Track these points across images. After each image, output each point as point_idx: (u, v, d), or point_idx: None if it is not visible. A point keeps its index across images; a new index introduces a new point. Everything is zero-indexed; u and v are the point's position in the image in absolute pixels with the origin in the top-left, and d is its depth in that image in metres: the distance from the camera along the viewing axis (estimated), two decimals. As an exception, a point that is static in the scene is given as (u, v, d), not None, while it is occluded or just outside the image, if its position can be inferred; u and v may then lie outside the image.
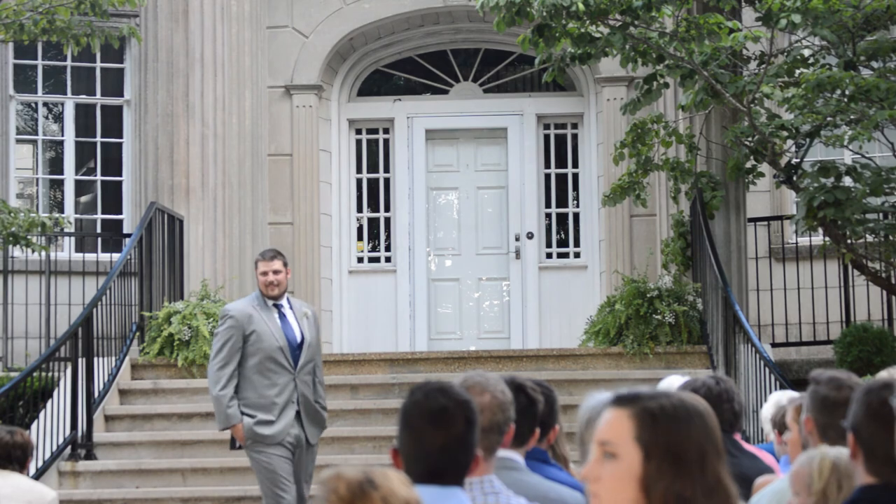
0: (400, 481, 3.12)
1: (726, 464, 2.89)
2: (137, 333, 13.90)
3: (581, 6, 11.71)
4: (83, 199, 16.61)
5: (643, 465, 2.79)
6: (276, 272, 9.86)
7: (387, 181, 17.42)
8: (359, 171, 17.46)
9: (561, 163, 17.35)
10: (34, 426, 12.18)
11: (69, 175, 16.34)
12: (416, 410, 3.80)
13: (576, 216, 17.26)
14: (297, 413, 9.71)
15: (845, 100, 11.85)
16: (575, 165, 17.28)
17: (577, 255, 17.17)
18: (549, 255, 17.19)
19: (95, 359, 12.74)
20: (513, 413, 4.31)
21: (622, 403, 2.86)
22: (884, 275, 12.60)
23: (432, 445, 3.76)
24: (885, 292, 13.81)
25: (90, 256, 15.37)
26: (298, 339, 9.80)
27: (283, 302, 9.91)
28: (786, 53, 12.79)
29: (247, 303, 9.99)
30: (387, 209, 17.40)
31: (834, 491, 4.14)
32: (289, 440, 9.65)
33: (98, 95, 16.44)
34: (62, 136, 16.46)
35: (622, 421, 2.83)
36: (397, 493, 3.09)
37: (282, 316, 9.85)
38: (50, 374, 12.84)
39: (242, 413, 9.60)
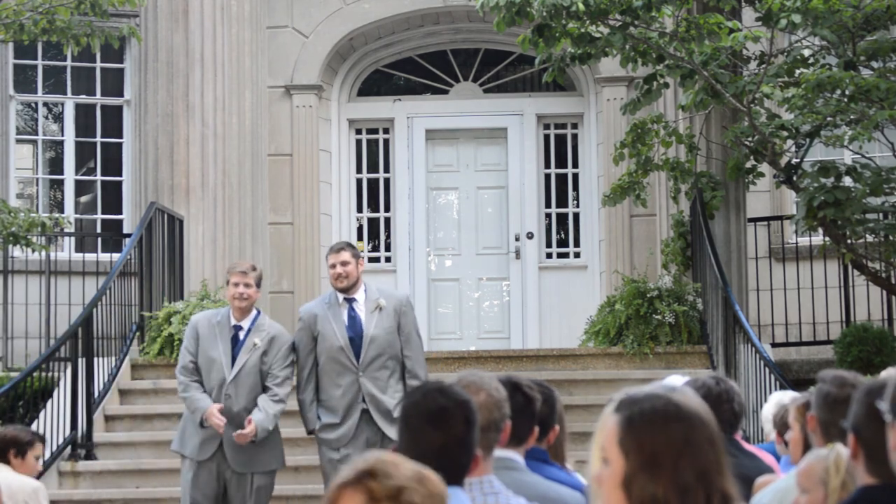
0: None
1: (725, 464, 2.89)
2: (137, 333, 13.89)
3: (581, 6, 11.70)
4: (83, 199, 16.61)
5: (624, 468, 2.81)
6: (343, 264, 9.56)
7: (387, 181, 17.43)
8: (359, 171, 17.46)
9: (561, 163, 17.35)
10: (34, 426, 12.17)
11: (69, 175, 16.35)
12: (416, 411, 3.80)
13: (576, 216, 17.27)
14: (366, 413, 9.48)
15: (845, 100, 11.85)
16: (575, 165, 17.29)
17: (577, 255, 17.17)
18: (549, 255, 17.19)
19: (95, 359, 12.72)
20: (508, 410, 4.31)
21: (617, 409, 2.88)
22: (884, 275, 12.60)
23: (431, 445, 3.76)
24: (885, 292, 13.80)
25: (90, 256, 15.37)
26: (362, 335, 9.54)
27: (358, 296, 9.63)
28: (786, 53, 12.79)
29: (318, 302, 9.85)
30: (387, 209, 17.41)
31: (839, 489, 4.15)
32: (357, 442, 9.48)
33: (98, 95, 16.44)
34: (62, 136, 16.46)
35: (613, 427, 2.86)
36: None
37: (351, 311, 9.62)
38: (50, 374, 12.83)
39: (319, 417, 9.59)
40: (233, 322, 9.67)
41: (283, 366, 9.65)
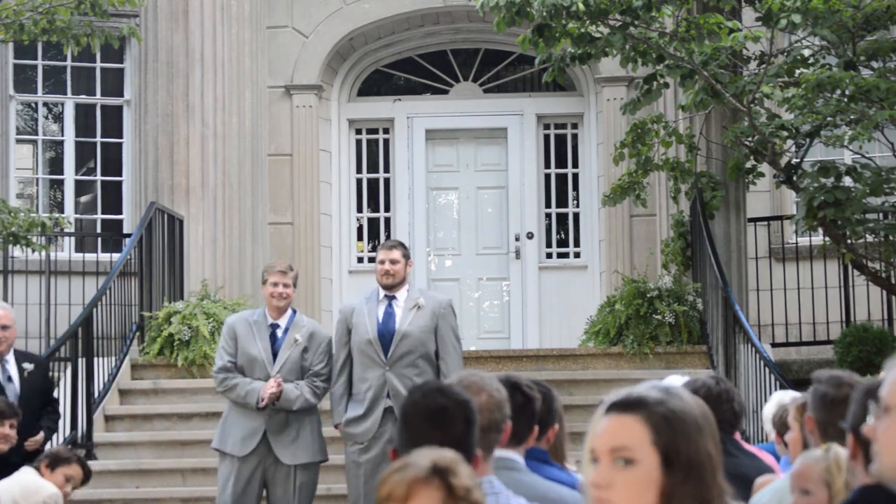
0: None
1: (723, 464, 2.90)
2: (137, 333, 13.89)
3: (581, 6, 11.70)
4: (83, 199, 16.61)
5: (663, 472, 2.78)
6: (393, 262, 9.66)
7: (387, 181, 17.42)
8: (359, 171, 17.46)
9: (561, 163, 17.35)
10: (34, 426, 12.18)
11: (69, 175, 16.34)
12: (415, 410, 3.80)
13: (576, 216, 17.26)
14: (390, 409, 9.46)
15: (845, 100, 11.84)
16: (575, 165, 17.28)
17: (577, 255, 17.17)
18: (549, 255, 17.19)
19: (95, 359, 12.72)
20: (508, 410, 4.30)
21: (629, 409, 2.84)
22: (884, 275, 12.59)
23: (431, 445, 3.75)
24: (885, 292, 13.80)
25: (90, 256, 15.36)
26: (394, 331, 9.57)
27: (399, 294, 9.70)
28: (786, 53, 12.78)
29: (361, 297, 9.97)
30: (387, 209, 17.41)
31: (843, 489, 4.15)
32: (380, 441, 9.47)
33: (98, 95, 16.44)
34: (62, 136, 16.46)
35: (635, 426, 2.81)
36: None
37: (389, 308, 9.66)
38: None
39: (346, 411, 9.63)
40: (269, 321, 9.72)
41: (324, 362, 9.74)
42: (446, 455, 3.14)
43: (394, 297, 9.71)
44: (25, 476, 8.23)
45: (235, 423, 9.57)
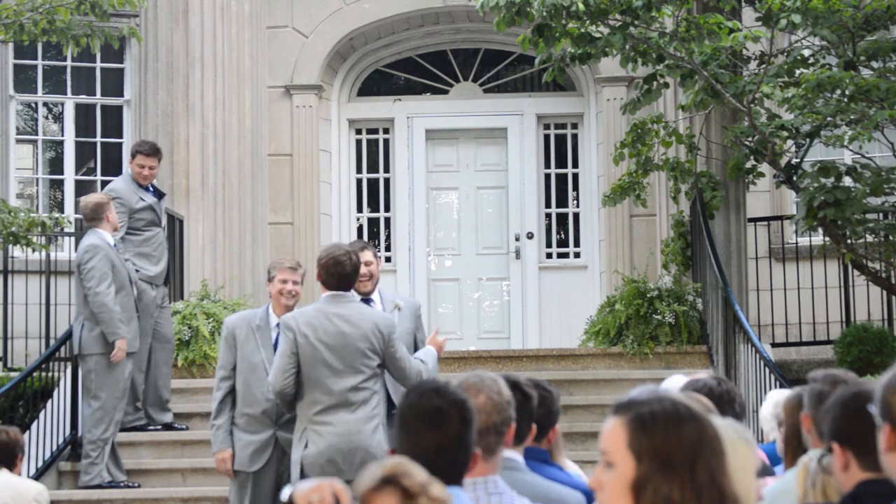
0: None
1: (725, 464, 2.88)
2: (137, 333, 13.87)
3: (581, 6, 11.71)
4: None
5: (635, 471, 2.79)
6: (367, 264, 9.20)
7: (387, 181, 17.43)
8: (359, 171, 17.46)
9: (561, 163, 17.35)
10: (34, 426, 12.17)
11: (69, 175, 16.34)
12: (412, 411, 3.80)
13: (576, 216, 17.27)
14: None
15: (845, 100, 11.85)
16: (575, 165, 17.29)
17: (577, 255, 17.17)
18: (549, 255, 17.19)
19: (95, 359, 12.70)
20: (512, 412, 4.29)
21: (618, 411, 2.86)
22: (884, 275, 12.60)
23: (428, 446, 3.76)
24: (885, 292, 13.80)
25: (90, 256, 15.34)
26: None
27: (374, 296, 9.29)
28: (786, 53, 12.79)
29: None
30: (387, 209, 17.41)
31: None
32: None
33: (98, 95, 16.44)
34: (62, 136, 16.46)
35: (618, 429, 2.83)
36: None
37: None
38: (50, 374, 12.82)
39: None
40: (274, 321, 9.17)
41: None
42: (397, 461, 3.20)
43: (369, 300, 9.30)
44: (9, 478, 8.24)
45: (241, 438, 9.04)
